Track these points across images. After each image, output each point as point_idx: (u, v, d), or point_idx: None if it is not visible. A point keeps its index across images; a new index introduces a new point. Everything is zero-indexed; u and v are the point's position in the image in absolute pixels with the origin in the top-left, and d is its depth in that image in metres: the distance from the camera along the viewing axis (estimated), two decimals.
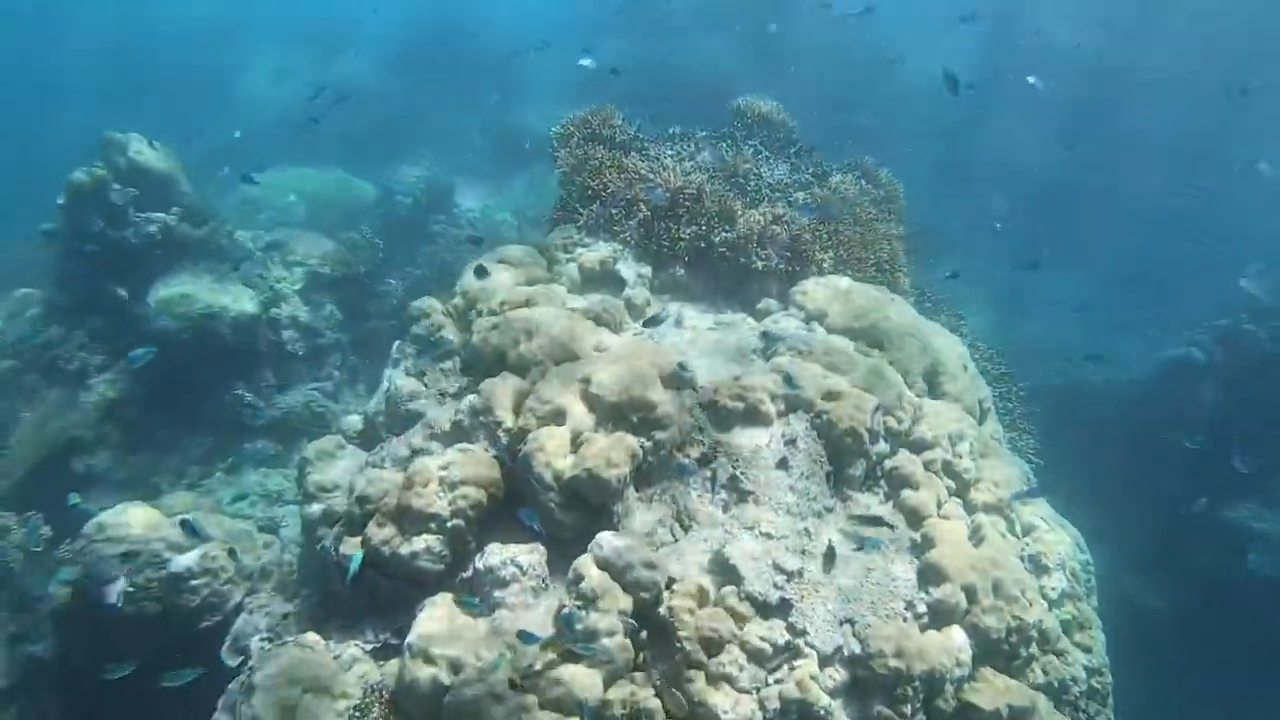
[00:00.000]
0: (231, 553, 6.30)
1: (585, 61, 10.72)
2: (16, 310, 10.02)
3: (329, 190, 15.18)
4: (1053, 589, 4.99)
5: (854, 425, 5.32)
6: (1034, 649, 4.51)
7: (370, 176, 15.45)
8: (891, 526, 5.11)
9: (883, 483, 5.46)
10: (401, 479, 5.10)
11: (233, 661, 5.57)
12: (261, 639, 5.60)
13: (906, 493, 5.28)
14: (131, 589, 5.77)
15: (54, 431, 8.40)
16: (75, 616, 6.58)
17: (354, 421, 6.81)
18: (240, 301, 8.73)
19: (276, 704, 4.48)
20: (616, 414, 5.03)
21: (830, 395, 5.49)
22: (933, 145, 12.95)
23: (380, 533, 4.85)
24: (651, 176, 7.05)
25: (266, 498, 8.18)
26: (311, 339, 9.86)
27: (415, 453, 5.47)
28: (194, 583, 5.98)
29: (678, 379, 5.44)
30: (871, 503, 5.32)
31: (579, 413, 5.01)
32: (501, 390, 5.27)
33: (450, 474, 4.87)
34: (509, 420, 5.18)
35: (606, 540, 4.57)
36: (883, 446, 5.52)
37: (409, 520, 4.82)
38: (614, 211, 6.99)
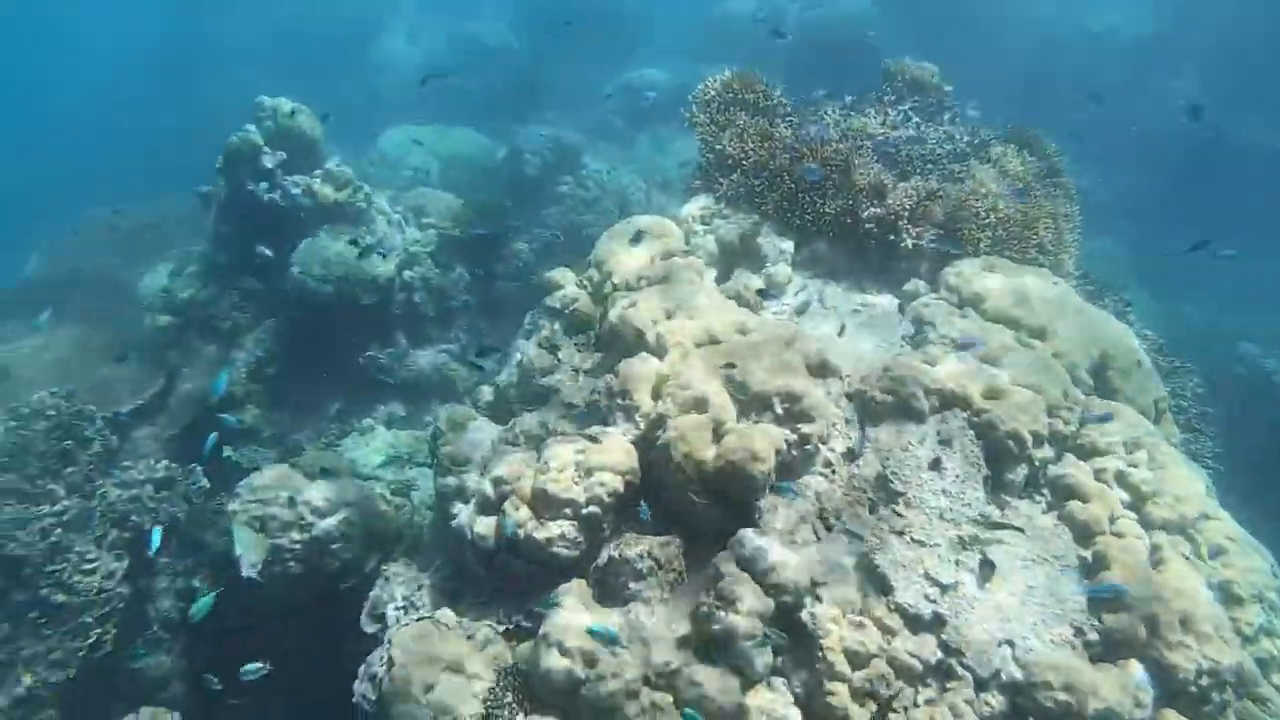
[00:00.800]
0: (368, 518, 6.44)
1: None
2: (178, 267, 10.58)
3: (460, 149, 15.32)
4: (1248, 624, 4.45)
5: (1016, 427, 4.88)
6: (1228, 694, 4.03)
7: (499, 135, 15.49)
8: (1020, 530, 4.66)
9: (1045, 491, 5.01)
10: (537, 461, 5.03)
11: (371, 628, 5.71)
12: (397, 608, 5.72)
13: (1074, 505, 4.82)
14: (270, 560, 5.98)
15: (210, 387, 8.82)
16: (228, 566, 6.93)
17: (485, 392, 6.82)
18: (376, 264, 8.87)
19: (415, 681, 4.53)
20: (761, 403, 4.78)
21: (991, 393, 5.05)
22: (1082, 110, 11.79)
23: (515, 515, 4.79)
24: (797, 146, 6.65)
25: (397, 460, 8.36)
26: (442, 301, 9.99)
27: (549, 432, 5.39)
28: (334, 546, 6.16)
29: (824, 368, 5.12)
30: (1033, 513, 4.89)
31: (722, 401, 4.77)
32: (640, 372, 5.09)
33: (587, 459, 4.75)
34: (647, 404, 5.00)
35: (749, 538, 4.37)
36: (1047, 451, 5.05)
37: (544, 505, 4.74)
38: (755, 183, 6.64)
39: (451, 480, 5.76)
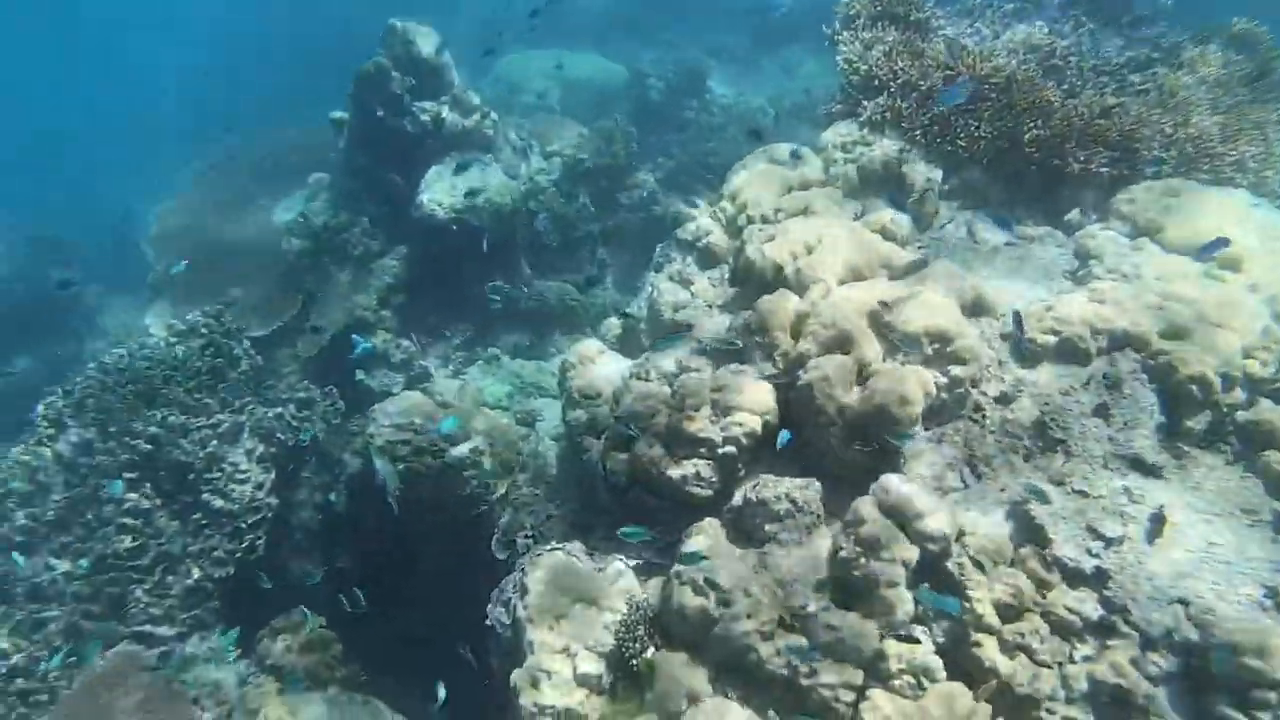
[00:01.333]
0: (497, 447, 6.60)
1: None
2: (312, 192, 10.94)
3: (581, 73, 15.09)
4: None
5: (1201, 370, 4.47)
6: None
7: (621, 59, 15.17)
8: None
9: (1233, 439, 4.59)
10: (672, 399, 4.97)
11: (501, 554, 5.90)
12: (527, 536, 5.87)
13: (1271, 455, 4.41)
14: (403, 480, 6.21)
15: (344, 312, 9.18)
16: (364, 486, 7.29)
17: (613, 325, 6.80)
18: (502, 194, 8.90)
19: (548, 610, 4.64)
20: (910, 343, 4.54)
21: (1171, 332, 4.64)
22: None
23: (649, 452, 4.78)
24: (951, 63, 6.18)
25: (522, 389, 8.51)
26: (565, 231, 9.98)
27: (682, 369, 5.31)
28: (465, 474, 6.34)
29: (978, 305, 4.82)
30: (1216, 463, 4.51)
31: (867, 340, 4.57)
32: (779, 309, 4.93)
33: (724, 399, 4.66)
34: (786, 343, 4.85)
35: (893, 483, 4.21)
36: (1238, 395, 4.61)
37: (679, 443, 4.70)
38: (903, 105, 6.23)
39: (581, 414, 5.81)
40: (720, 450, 4.65)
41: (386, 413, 6.47)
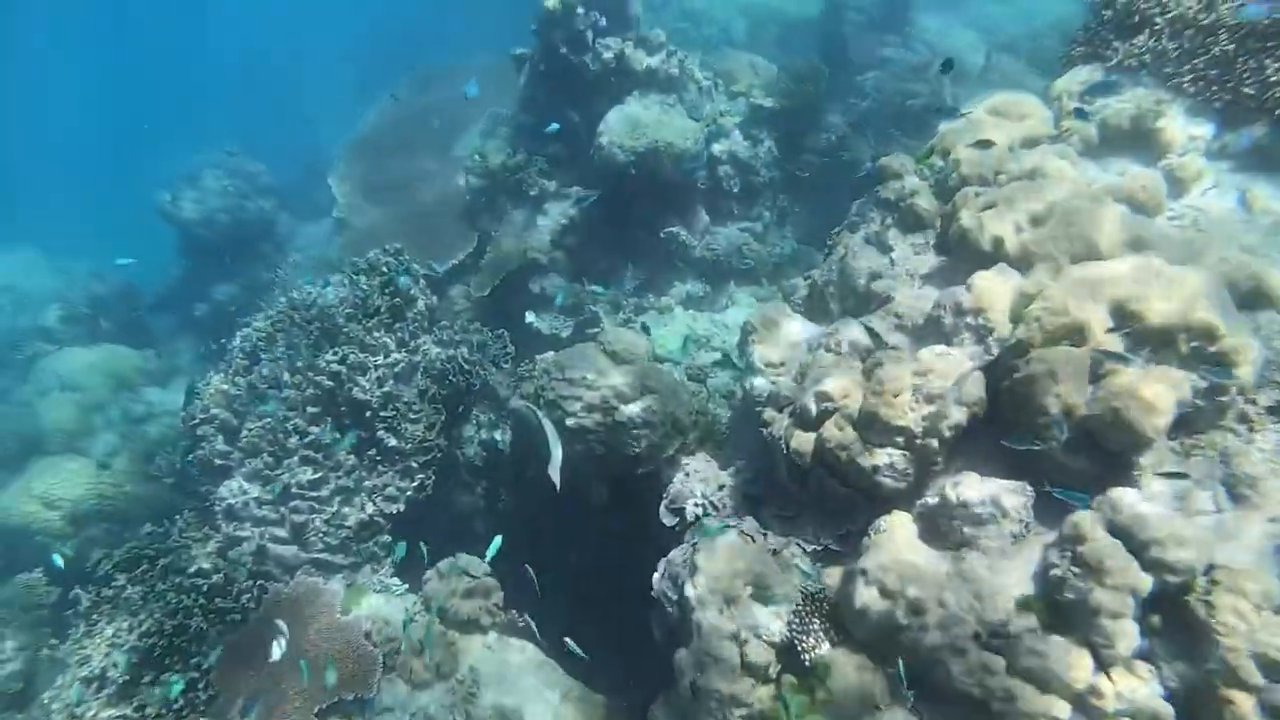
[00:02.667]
0: (669, 405, 6.48)
1: None
2: (489, 129, 11.09)
3: (770, 2, 14.42)
4: None
5: None
6: None
7: None
8: None
9: None
10: (867, 379, 4.64)
11: (669, 521, 5.82)
12: (697, 504, 5.75)
13: None
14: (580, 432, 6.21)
15: (517, 253, 9.29)
16: (529, 433, 7.41)
17: (799, 286, 6.46)
18: (685, 136, 8.63)
19: (718, 593, 4.51)
20: (1161, 339, 3.98)
21: None
22: None
23: (838, 435, 4.48)
24: None
25: (695, 342, 8.34)
26: (746, 176, 9.60)
27: (879, 344, 4.94)
28: (636, 432, 6.27)
29: (1255, 295, 4.15)
30: None
31: (1104, 332, 4.03)
32: (997, 289, 4.45)
33: (927, 384, 4.28)
34: (1004, 328, 4.38)
35: (1126, 501, 3.73)
36: None
37: (873, 430, 4.37)
38: (1171, 46, 5.42)
39: (762, 382, 5.56)
40: (919, 441, 4.30)
41: (559, 364, 6.47)
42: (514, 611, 7.07)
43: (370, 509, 7.33)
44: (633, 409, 6.24)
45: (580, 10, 9.04)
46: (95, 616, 6.01)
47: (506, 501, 8.39)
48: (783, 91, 9.89)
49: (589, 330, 9.07)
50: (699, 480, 5.89)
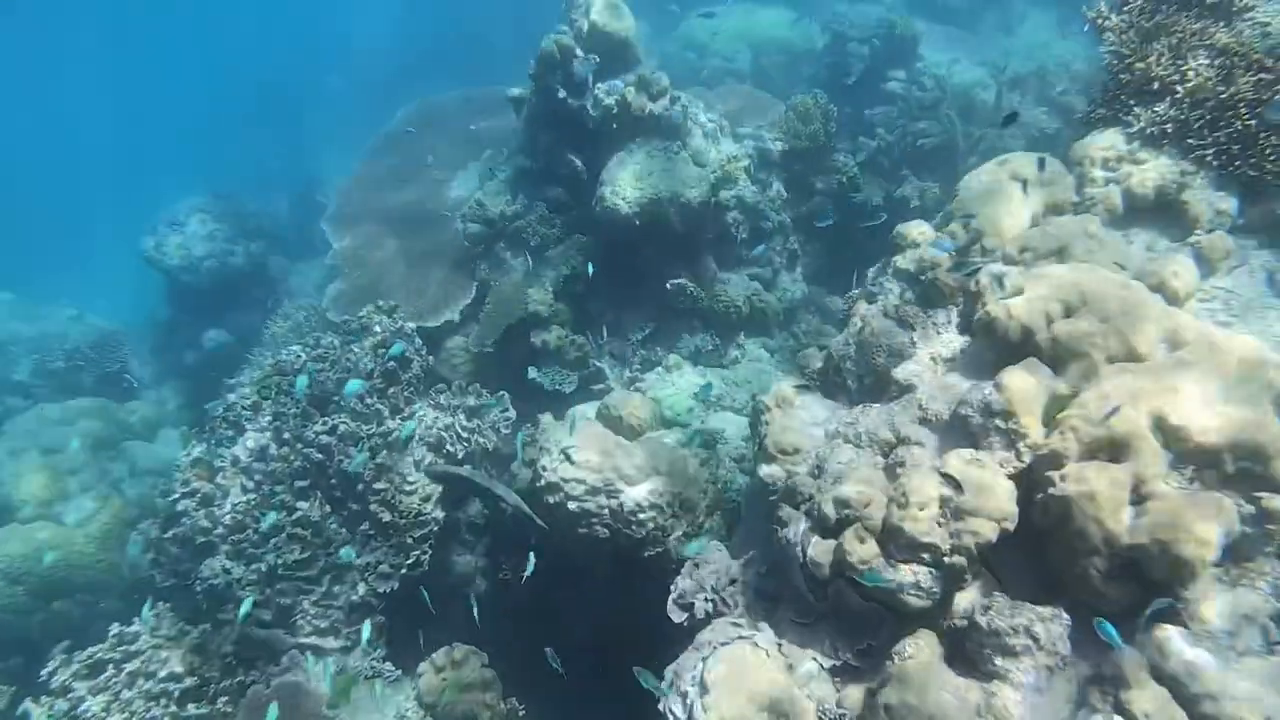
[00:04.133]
0: (678, 485, 6.29)
1: None
2: (487, 171, 10.94)
3: (772, 33, 14.29)
4: None
5: None
6: None
7: (821, 15, 14.22)
8: None
9: None
10: (886, 478, 4.44)
11: (678, 617, 5.61)
12: (707, 599, 5.54)
13: None
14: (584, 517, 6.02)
15: (517, 304, 9.11)
16: (530, 501, 7.23)
17: (814, 357, 6.26)
18: (690, 186, 8.46)
19: (732, 718, 4.30)
20: (1208, 460, 3.78)
21: None
22: None
23: (859, 549, 4.28)
24: (1269, 64, 5.12)
25: (704, 402, 8.16)
26: (755, 220, 9.43)
27: (900, 439, 4.75)
28: (642, 516, 6.09)
29: None
30: None
31: (1147, 448, 3.83)
32: (1028, 388, 4.25)
33: (957, 501, 4.08)
34: (1036, 433, 4.18)
35: (1174, 646, 3.53)
36: None
37: (897, 544, 4.17)
38: (1193, 116, 5.25)
39: (777, 470, 5.36)
40: (947, 560, 4.09)
41: (558, 441, 6.28)
42: (514, 700, 6.88)
43: (363, 589, 7.14)
44: (638, 492, 6.06)
45: (579, 53, 8.90)
46: None
47: (508, 569, 8.19)
48: (790, 132, 9.74)
49: (593, 386, 8.90)
50: (709, 572, 5.68)
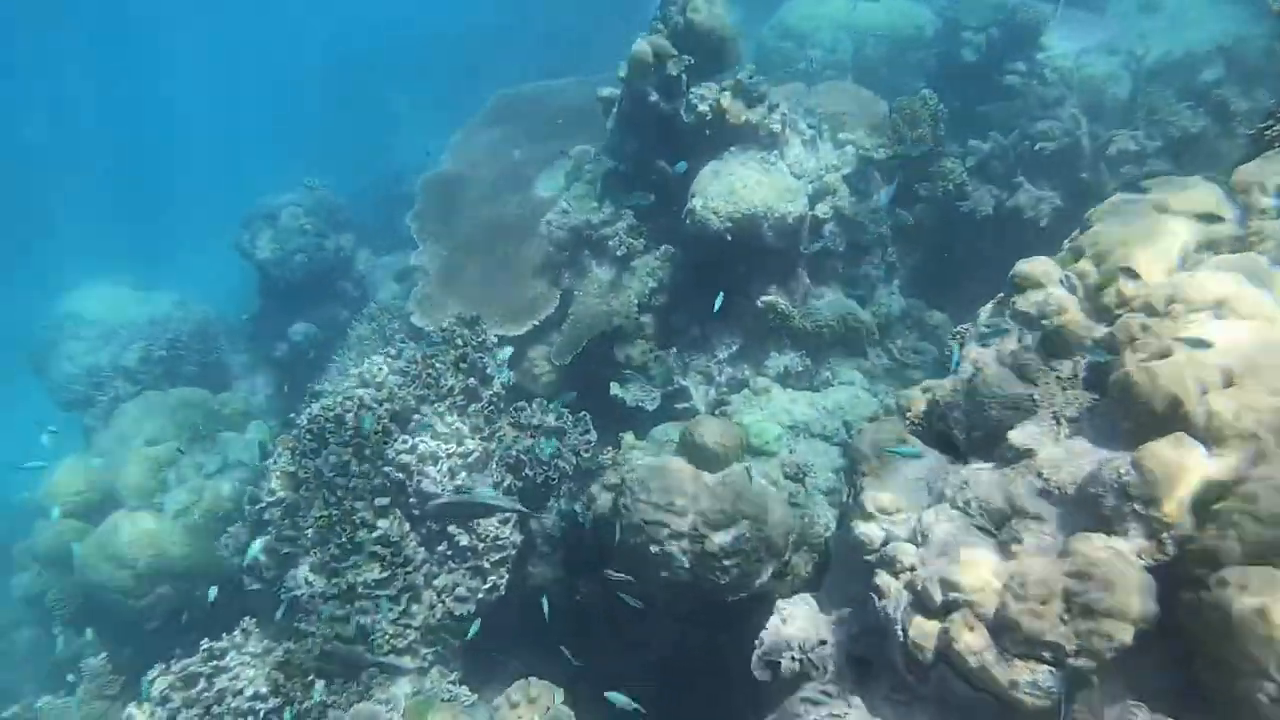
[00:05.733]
0: (763, 527, 5.94)
1: None
2: (574, 172, 10.66)
3: (877, 19, 13.53)
4: None
5: None
6: None
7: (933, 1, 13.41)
8: None
9: None
10: (1003, 567, 4.01)
11: (762, 675, 5.27)
12: (794, 658, 5.20)
13: None
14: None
15: (601, 316, 8.85)
16: (609, 528, 6.98)
17: (917, 398, 5.79)
18: (786, 199, 8.01)
19: None
20: None
21: None
22: None
23: (968, 639, 3.87)
24: None
25: (793, 428, 7.77)
26: (853, 233, 8.92)
27: (1015, 510, 4.30)
28: (726, 562, 5.77)
29: None
30: None
31: None
32: (1174, 467, 3.74)
33: (1084, 595, 3.62)
34: (1185, 522, 3.68)
35: None
36: None
37: (1012, 639, 3.75)
38: None
39: (874, 531, 4.96)
40: (1070, 662, 3.65)
41: (642, 482, 5.98)
42: None
43: (440, 610, 7.03)
44: (723, 538, 5.74)
45: (673, 55, 8.51)
46: None
47: (585, 592, 7.97)
48: (895, 136, 9.17)
49: (677, 405, 8.59)
50: (797, 629, 5.32)
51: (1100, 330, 4.75)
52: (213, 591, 7.50)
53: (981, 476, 4.61)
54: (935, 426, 5.52)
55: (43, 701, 6.78)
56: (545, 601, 6.69)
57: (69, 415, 12.30)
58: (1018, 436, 4.63)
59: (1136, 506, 3.80)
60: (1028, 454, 4.52)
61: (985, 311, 5.62)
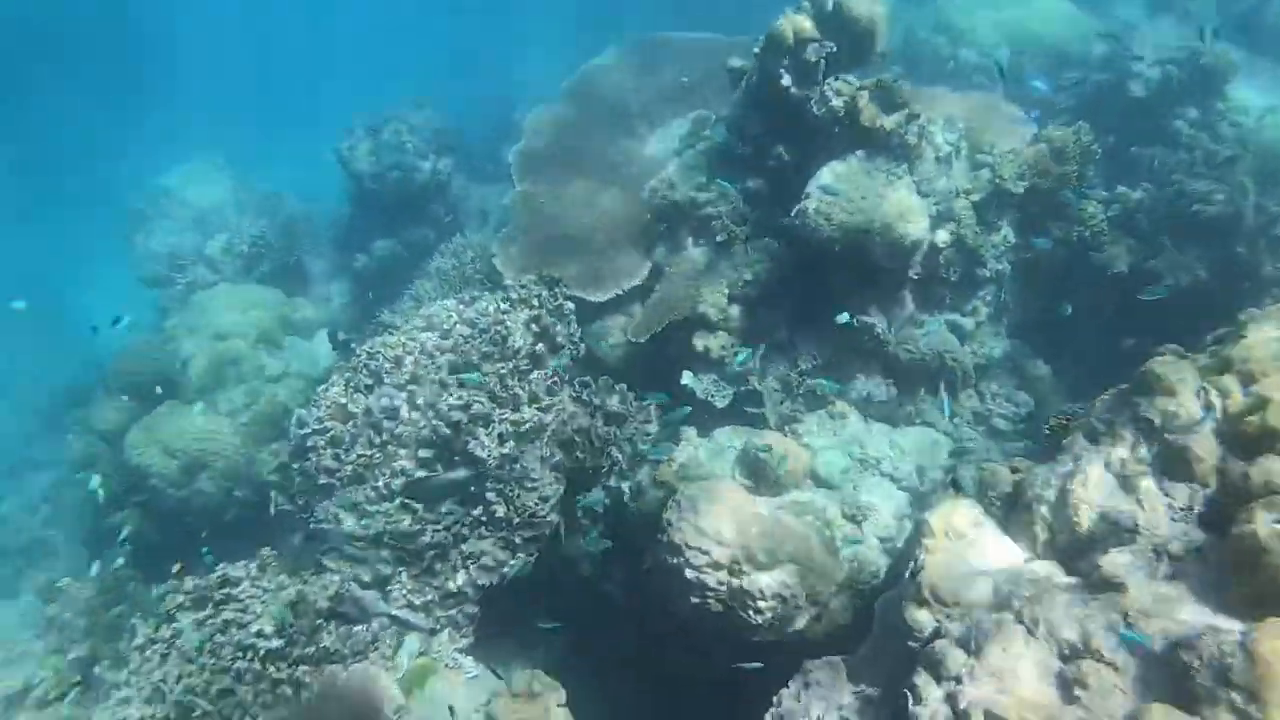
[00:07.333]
0: (808, 574, 5.63)
1: None
2: (690, 138, 10.21)
3: (1038, 28, 12.51)
4: None
5: None
6: None
7: (1107, 18, 12.33)
8: None
9: None
10: (1059, 714, 3.62)
11: None
12: None
13: None
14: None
15: (687, 300, 8.49)
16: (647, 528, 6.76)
17: (1000, 479, 5.35)
18: (906, 219, 7.46)
19: None
20: None
21: None
22: None
23: None
24: None
25: (861, 463, 7.36)
26: (969, 265, 8.31)
27: (1091, 653, 3.88)
28: (761, 604, 5.48)
29: None
30: None
31: None
32: None
33: None
34: None
35: None
36: None
37: None
38: None
39: (925, 619, 4.60)
40: None
41: (690, 500, 5.69)
42: None
43: (462, 577, 6.94)
44: (765, 580, 5.45)
45: (815, 41, 7.95)
46: (149, 653, 5.91)
47: (614, 587, 7.79)
48: (1038, 168, 8.45)
49: (747, 408, 8.23)
50: (818, 696, 5.04)
51: (1235, 466, 4.22)
52: (276, 499, 7.59)
53: (1058, 597, 4.19)
54: (1019, 515, 5.10)
55: (63, 581, 6.97)
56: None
57: (148, 292, 12.58)
58: (1109, 564, 4.18)
59: (1235, 697, 3.36)
60: (1117, 587, 4.08)
61: (1103, 402, 5.11)
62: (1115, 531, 4.37)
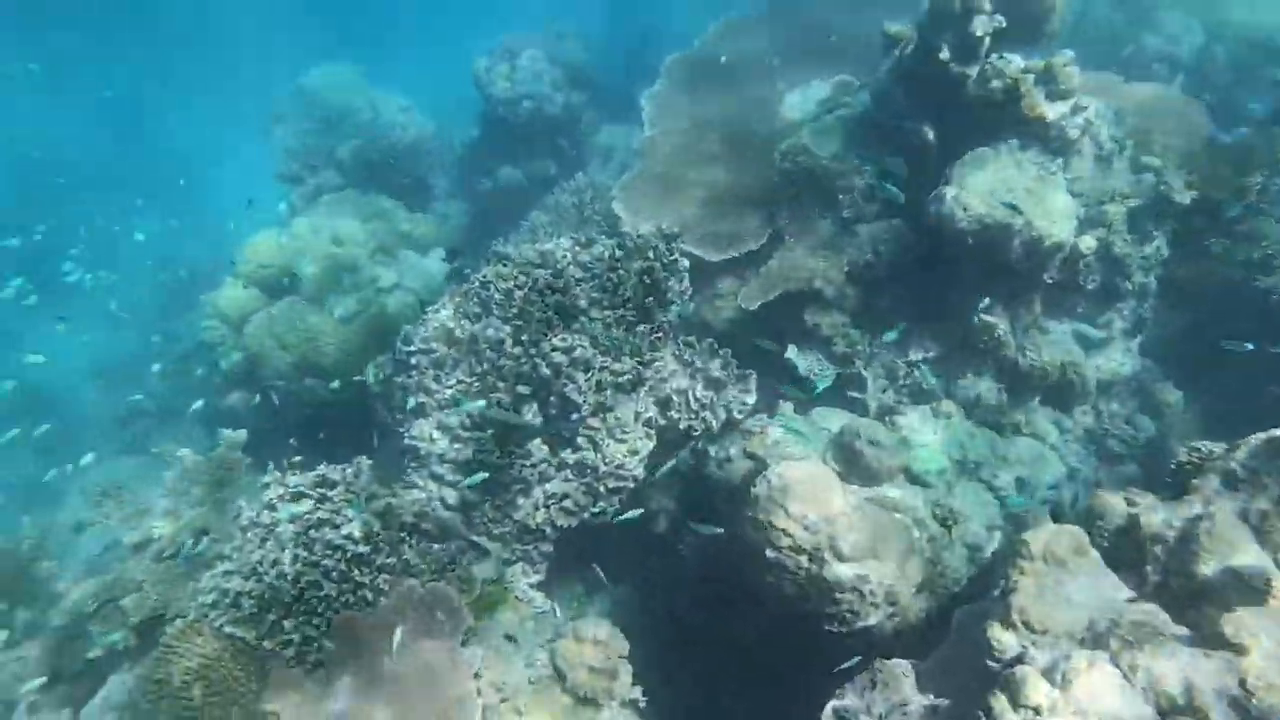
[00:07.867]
0: (887, 575, 5.48)
1: None
2: (829, 102, 9.88)
3: (1257, 17, 11.37)
4: None
5: None
6: None
7: None
8: None
9: None
10: None
11: None
12: None
13: None
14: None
15: (804, 272, 8.28)
16: (730, 504, 6.72)
17: (1112, 511, 5.06)
18: (1052, 219, 7.03)
19: None
20: None
21: None
22: None
23: None
24: None
25: (960, 465, 7.08)
26: (1112, 275, 7.82)
27: (1193, 711, 3.66)
28: (839, 595, 5.37)
29: None
30: None
31: None
32: None
33: None
34: None
35: None
36: None
37: None
38: None
39: (1010, 642, 4.43)
40: None
41: (782, 488, 5.56)
42: (639, 690, 6.62)
43: (541, 516, 7.04)
44: (845, 571, 5.33)
45: (984, 14, 7.49)
46: (249, 535, 6.22)
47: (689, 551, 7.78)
48: (1213, 179, 7.84)
49: (849, 392, 8.04)
50: (882, 696, 4.94)
51: None
52: (377, 407, 7.82)
53: (1164, 650, 3.96)
54: (1131, 552, 4.83)
55: (183, 452, 7.37)
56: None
57: (280, 187, 13.02)
58: (1234, 622, 3.91)
59: None
60: (1238, 649, 3.82)
61: (1249, 447, 4.75)
62: (1242, 588, 4.08)
